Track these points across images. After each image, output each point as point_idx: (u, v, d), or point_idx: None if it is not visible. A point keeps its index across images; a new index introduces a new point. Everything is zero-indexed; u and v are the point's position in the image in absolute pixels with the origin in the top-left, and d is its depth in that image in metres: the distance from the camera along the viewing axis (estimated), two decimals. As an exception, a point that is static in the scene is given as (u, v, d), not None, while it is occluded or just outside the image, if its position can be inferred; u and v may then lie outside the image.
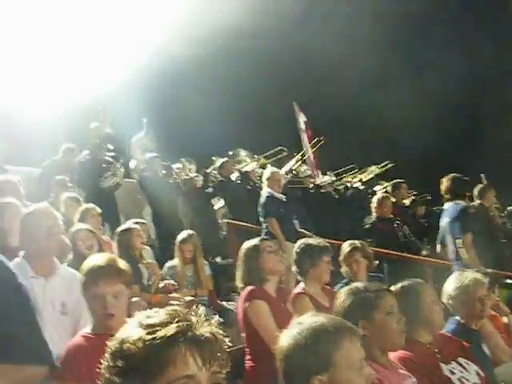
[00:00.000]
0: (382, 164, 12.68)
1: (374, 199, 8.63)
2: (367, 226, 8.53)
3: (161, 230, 9.14)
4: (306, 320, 2.20)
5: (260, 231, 8.17)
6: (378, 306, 2.87)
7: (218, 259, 9.34)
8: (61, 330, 3.70)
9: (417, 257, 8.49)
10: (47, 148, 9.57)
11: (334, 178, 12.45)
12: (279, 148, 11.43)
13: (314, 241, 4.97)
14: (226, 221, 9.39)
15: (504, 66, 13.86)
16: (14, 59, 10.05)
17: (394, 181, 10.25)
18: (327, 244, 4.93)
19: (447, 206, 6.89)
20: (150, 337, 1.42)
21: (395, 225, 8.51)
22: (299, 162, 11.94)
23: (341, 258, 5.61)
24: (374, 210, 8.45)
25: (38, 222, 3.78)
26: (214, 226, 9.84)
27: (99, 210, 6.61)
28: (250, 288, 4.19)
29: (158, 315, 1.48)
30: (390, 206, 8.51)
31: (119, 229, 6.35)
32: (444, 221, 6.84)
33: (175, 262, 6.91)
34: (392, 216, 8.57)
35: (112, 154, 9.90)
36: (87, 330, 3.08)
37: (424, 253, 8.92)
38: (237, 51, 13.25)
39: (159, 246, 8.80)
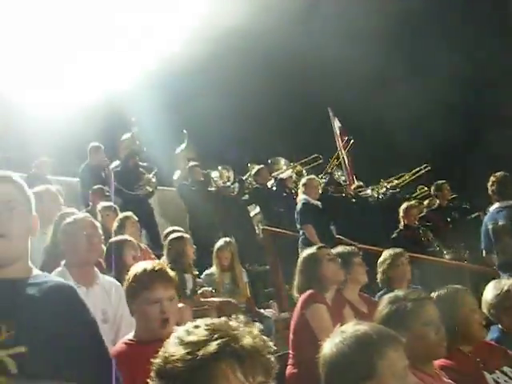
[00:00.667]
0: (417, 169, 12.53)
1: (401, 208, 8.79)
2: (394, 236, 8.54)
3: (198, 237, 9.18)
4: (349, 328, 2.18)
5: (297, 238, 8.15)
6: (416, 315, 2.80)
7: (255, 266, 9.35)
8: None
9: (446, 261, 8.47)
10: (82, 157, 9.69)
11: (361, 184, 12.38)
12: (315, 155, 11.41)
13: (342, 248, 4.97)
14: (262, 227, 9.37)
15: (506, 66, 13.66)
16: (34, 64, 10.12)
17: (437, 182, 10.17)
18: (354, 248, 4.95)
19: (498, 206, 6.52)
20: (190, 357, 1.41)
21: (420, 232, 8.66)
22: (334, 168, 11.89)
23: (382, 265, 5.40)
24: (400, 218, 8.66)
25: (78, 231, 3.83)
26: (250, 233, 9.86)
27: (137, 218, 6.68)
28: (310, 292, 4.17)
29: (197, 331, 1.47)
30: (416, 215, 8.84)
31: (171, 237, 6.31)
32: (496, 222, 6.49)
33: (213, 269, 6.93)
34: (417, 224, 8.79)
35: (145, 164, 10.03)
36: (130, 336, 3.09)
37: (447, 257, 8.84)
38: (268, 58, 13.27)
39: (196, 253, 8.84)
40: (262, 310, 7.11)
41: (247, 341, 1.45)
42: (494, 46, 13.70)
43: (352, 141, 12.46)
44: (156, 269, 2.99)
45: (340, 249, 4.83)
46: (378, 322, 2.72)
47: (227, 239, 7.00)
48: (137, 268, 3.07)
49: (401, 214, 8.69)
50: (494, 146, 12.60)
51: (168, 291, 2.97)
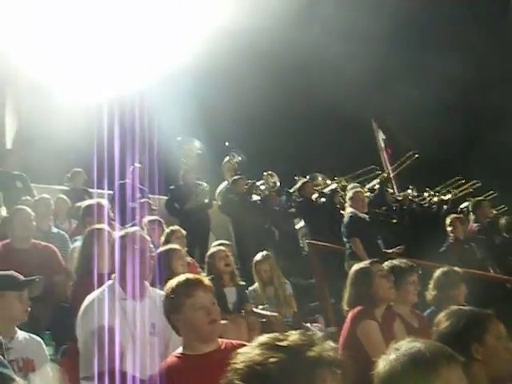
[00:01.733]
0: (471, 183, 12.35)
1: (447, 221, 8.59)
2: (443, 249, 8.37)
3: (242, 250, 9.20)
4: (404, 346, 2.13)
5: (343, 251, 8.08)
6: (489, 329, 2.72)
7: (300, 279, 9.30)
8: (151, 351, 3.76)
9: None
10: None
11: (415, 194, 12.25)
12: (371, 167, 11.35)
13: (398, 262, 4.85)
14: (307, 241, 9.33)
15: (506, 67, 13.41)
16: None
17: (476, 199, 10.00)
18: (411, 264, 4.81)
19: None
20: (291, 361, 1.42)
21: (467, 246, 8.39)
22: (378, 181, 11.80)
23: (434, 283, 5.14)
24: (448, 232, 8.46)
25: (130, 245, 3.86)
26: (296, 246, 9.84)
27: (184, 232, 6.72)
28: (360, 308, 4.13)
29: (292, 338, 1.48)
30: (463, 228, 8.54)
31: (209, 251, 6.37)
32: None
33: (256, 284, 6.92)
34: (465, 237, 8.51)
35: (197, 175, 10.14)
36: (180, 350, 3.13)
37: None
38: (311, 72, 13.29)
39: (240, 267, 8.85)
40: (308, 325, 7.06)
41: (335, 353, 1.48)
42: (495, 46, 13.49)
43: (416, 155, 12.31)
44: (190, 277, 3.19)
45: (394, 263, 4.71)
46: (448, 337, 2.65)
47: (265, 253, 6.96)
48: (171, 284, 3.19)
49: (448, 228, 8.45)
50: (494, 147, 12.41)
51: (208, 295, 3.13)
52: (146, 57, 10.38)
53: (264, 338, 1.50)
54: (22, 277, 3.75)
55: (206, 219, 9.72)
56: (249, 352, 1.50)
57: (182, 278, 3.20)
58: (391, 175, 12.54)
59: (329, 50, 11.82)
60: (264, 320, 5.98)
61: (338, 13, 11.82)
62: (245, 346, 3.12)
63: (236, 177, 10.22)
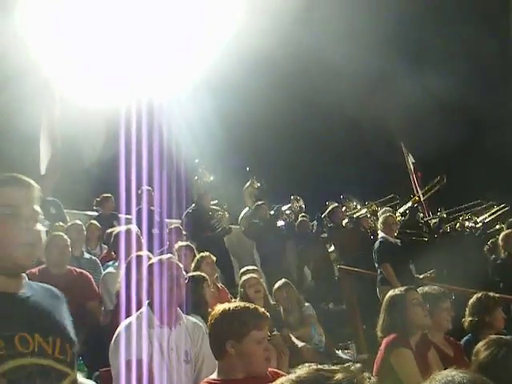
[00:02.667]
0: (501, 206, 12.20)
1: (501, 236, 8.42)
2: (498, 262, 8.23)
3: (267, 276, 9.18)
4: (440, 376, 2.09)
5: (374, 277, 8.01)
6: None
7: (331, 305, 9.24)
8: (184, 378, 3.76)
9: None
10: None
11: (444, 216, 12.13)
12: (391, 195, 11.31)
13: (430, 288, 4.78)
14: (338, 266, 9.28)
15: (506, 68, 13.24)
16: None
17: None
18: (443, 290, 4.75)
19: None
20: None
21: None
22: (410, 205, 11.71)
23: (469, 308, 4.98)
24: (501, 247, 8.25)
25: (163, 272, 3.88)
26: (328, 272, 9.79)
27: (214, 258, 6.74)
28: (394, 335, 4.08)
29: (336, 377, 1.46)
30: None
31: (243, 278, 6.32)
32: None
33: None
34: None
35: (215, 201, 10.16)
36: (214, 376, 3.10)
37: None
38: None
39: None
40: (339, 352, 6.98)
41: None
42: (495, 46, 13.35)
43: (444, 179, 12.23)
44: (259, 309, 3.14)
45: (426, 290, 4.65)
46: (490, 366, 2.60)
47: (283, 281, 6.88)
48: (235, 308, 3.11)
49: (500, 242, 8.26)
50: (494, 147, 12.24)
51: (266, 331, 3.13)
52: (164, 70, 10.51)
53: (308, 371, 1.49)
54: None
55: (223, 245, 9.70)
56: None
57: (249, 306, 3.16)
58: (422, 199, 12.42)
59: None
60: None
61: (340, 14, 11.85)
62: (277, 374, 3.12)
63: (259, 202, 10.24)
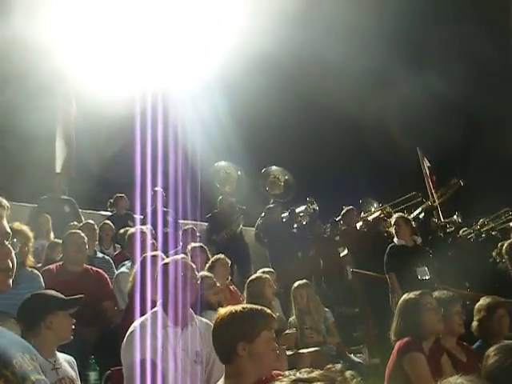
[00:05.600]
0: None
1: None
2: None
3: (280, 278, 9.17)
4: (451, 382, 2.07)
5: (387, 281, 7.96)
6: None
7: (344, 308, 9.21)
8: (194, 379, 3.76)
9: None
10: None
11: (460, 221, 12.04)
12: (413, 193, 11.23)
13: (439, 293, 4.72)
14: (351, 270, 9.24)
15: (506, 68, 13.11)
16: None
17: None
18: (452, 294, 4.71)
19: None
20: None
21: None
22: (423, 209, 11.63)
23: (479, 314, 4.93)
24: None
25: (175, 272, 3.88)
26: (340, 275, 9.77)
27: (228, 261, 6.75)
28: (407, 339, 4.05)
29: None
30: None
31: (250, 278, 6.34)
32: None
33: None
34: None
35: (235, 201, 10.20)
36: (221, 382, 3.07)
37: None
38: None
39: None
40: (351, 355, 6.95)
41: None
42: (495, 46, 13.22)
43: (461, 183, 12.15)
44: (266, 310, 3.12)
45: (437, 294, 4.61)
46: (498, 374, 2.58)
47: (304, 281, 6.87)
48: (243, 310, 3.08)
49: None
50: (494, 147, 12.11)
51: (274, 331, 3.11)
52: (174, 67, 10.52)
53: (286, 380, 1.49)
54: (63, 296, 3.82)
55: (244, 248, 9.73)
56: None
57: (256, 307, 3.13)
58: (436, 203, 12.34)
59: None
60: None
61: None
62: (281, 375, 3.11)
63: (271, 205, 10.24)
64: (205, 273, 5.68)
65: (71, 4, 10.12)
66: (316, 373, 1.47)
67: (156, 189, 9.02)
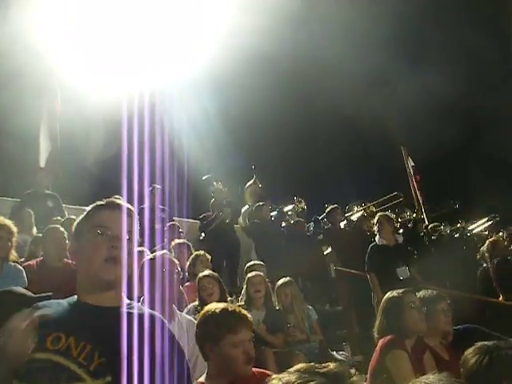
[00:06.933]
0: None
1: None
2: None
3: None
4: (416, 382, 2.07)
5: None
6: None
7: (327, 306, 9.23)
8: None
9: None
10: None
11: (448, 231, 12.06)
12: (395, 193, 11.25)
13: (424, 292, 4.72)
14: (335, 268, 9.27)
15: (505, 68, 13.24)
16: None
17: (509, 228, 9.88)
18: (437, 292, 4.72)
19: None
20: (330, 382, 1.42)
21: None
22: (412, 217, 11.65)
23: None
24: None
25: (158, 268, 3.87)
26: (323, 273, 9.78)
27: (208, 257, 6.74)
28: (390, 337, 4.07)
29: (330, 366, 1.46)
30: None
31: (247, 276, 6.32)
32: None
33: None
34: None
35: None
36: (202, 379, 3.09)
37: None
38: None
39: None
40: (334, 353, 6.97)
41: None
42: (495, 47, 13.34)
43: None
44: (237, 311, 3.09)
45: (423, 293, 4.62)
46: (478, 373, 2.59)
47: (288, 278, 6.86)
48: (214, 310, 3.11)
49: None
50: (494, 147, 12.23)
51: (249, 333, 3.07)
52: (165, 67, 10.46)
53: (302, 365, 1.48)
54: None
55: (235, 240, 9.75)
56: (286, 376, 1.48)
57: (227, 308, 3.13)
58: (420, 201, 12.40)
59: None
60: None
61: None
62: (263, 374, 3.10)
63: (261, 203, 10.23)
64: (204, 273, 5.65)
65: (59, 3, 10.05)
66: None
67: (154, 185, 9.03)
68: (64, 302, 2.19)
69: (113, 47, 10.46)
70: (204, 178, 10.88)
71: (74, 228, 2.26)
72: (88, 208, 2.27)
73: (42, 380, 1.92)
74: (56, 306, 2.16)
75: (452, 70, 12.37)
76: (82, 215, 2.26)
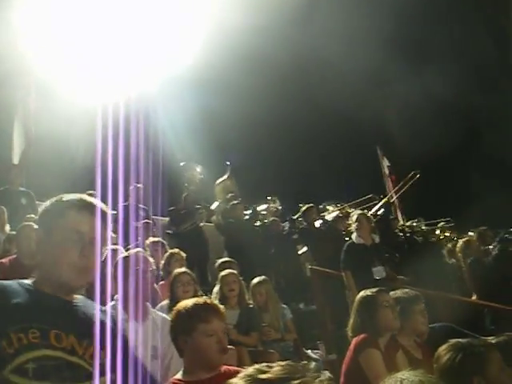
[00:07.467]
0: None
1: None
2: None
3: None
4: (391, 379, 2.08)
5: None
6: (491, 360, 2.71)
7: (301, 305, 9.25)
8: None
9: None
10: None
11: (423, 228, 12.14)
12: (370, 196, 11.30)
13: (402, 292, 4.73)
14: (310, 267, 9.28)
15: (505, 68, 13.44)
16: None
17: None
18: (416, 293, 4.75)
19: None
20: None
21: None
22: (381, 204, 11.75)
23: None
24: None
25: (131, 266, 3.84)
26: (298, 272, 9.80)
27: (183, 255, 6.71)
28: (363, 336, 4.09)
29: (274, 370, 1.44)
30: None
31: (221, 274, 6.29)
32: None
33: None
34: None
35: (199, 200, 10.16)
36: (178, 376, 3.08)
37: None
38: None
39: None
40: (308, 352, 6.98)
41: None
42: (494, 47, 13.50)
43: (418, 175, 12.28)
44: (208, 302, 3.14)
45: (399, 294, 4.63)
46: (450, 370, 2.62)
47: (263, 277, 6.86)
48: (185, 304, 3.14)
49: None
50: (494, 148, 12.38)
51: (222, 323, 3.10)
52: (147, 65, 10.37)
53: (250, 369, 1.47)
54: None
55: (204, 242, 9.70)
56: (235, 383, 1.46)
57: (199, 300, 3.18)
58: (395, 201, 12.51)
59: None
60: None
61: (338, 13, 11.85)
62: (236, 371, 3.10)
63: (235, 202, 10.21)
64: (181, 270, 5.62)
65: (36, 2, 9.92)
66: (280, 369, 1.45)
67: (135, 184, 8.95)
68: (19, 289, 2.07)
69: (95, 43, 10.33)
70: (181, 164, 10.86)
71: (44, 215, 2.18)
72: (65, 200, 2.17)
73: (63, 378, 1.90)
74: (17, 293, 2.04)
75: (454, 70, 12.43)
76: (57, 207, 2.17)
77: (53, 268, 2.06)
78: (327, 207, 11.51)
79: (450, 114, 13.62)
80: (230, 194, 10.59)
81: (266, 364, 1.47)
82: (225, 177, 11.33)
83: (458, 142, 13.35)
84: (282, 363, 1.46)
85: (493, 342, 3.12)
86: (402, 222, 11.58)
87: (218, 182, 11.26)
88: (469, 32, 12.80)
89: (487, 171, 13.26)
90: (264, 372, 1.43)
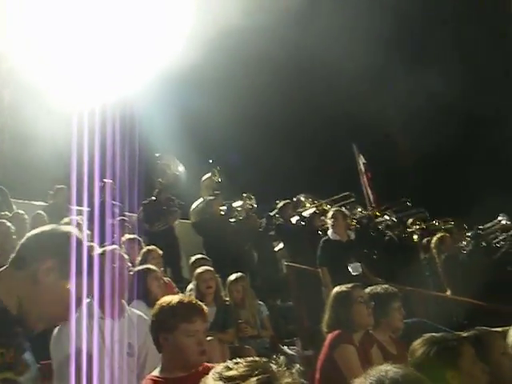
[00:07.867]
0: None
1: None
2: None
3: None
4: (374, 371, 2.10)
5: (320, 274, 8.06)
6: (464, 354, 2.75)
7: (278, 302, 9.28)
8: (127, 372, 3.71)
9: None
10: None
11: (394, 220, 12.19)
12: (346, 193, 11.31)
13: (381, 288, 4.73)
14: (286, 263, 9.31)
15: (505, 68, 13.61)
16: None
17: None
18: (394, 290, 4.78)
19: None
20: None
21: None
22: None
23: None
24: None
25: (106, 263, 3.83)
26: (274, 269, 9.82)
27: (160, 252, 6.68)
28: (338, 332, 4.11)
29: (237, 367, 1.45)
30: None
31: (197, 271, 6.28)
32: None
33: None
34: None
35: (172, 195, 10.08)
36: (156, 373, 3.07)
37: None
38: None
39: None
40: (285, 348, 7.01)
41: (287, 380, 1.42)
42: (494, 47, 13.63)
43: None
44: (193, 302, 3.12)
45: (378, 290, 4.63)
46: (423, 364, 2.66)
47: (240, 274, 6.86)
48: (170, 301, 3.11)
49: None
50: (494, 147, 12.49)
51: (204, 324, 3.09)
52: (132, 62, 10.29)
53: (220, 366, 1.49)
54: None
55: (175, 240, 9.66)
56: (204, 381, 1.49)
57: (184, 299, 3.16)
58: (371, 199, 12.58)
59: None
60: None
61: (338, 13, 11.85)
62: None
63: (211, 197, 10.17)
64: (149, 266, 5.60)
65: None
66: (243, 365, 1.46)
67: (105, 180, 8.86)
68: None
69: (74, 41, 10.23)
70: (157, 155, 10.78)
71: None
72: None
73: None
74: None
75: (453, 70, 12.45)
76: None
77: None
78: (304, 201, 11.46)
79: (449, 114, 13.68)
80: (215, 192, 10.52)
81: (234, 361, 1.48)
82: (208, 175, 11.27)
83: (458, 142, 13.46)
84: (249, 359, 1.48)
85: (465, 336, 3.17)
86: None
87: (203, 179, 11.21)
88: (469, 32, 12.86)
89: (487, 171, 13.34)
90: (230, 369, 1.45)
